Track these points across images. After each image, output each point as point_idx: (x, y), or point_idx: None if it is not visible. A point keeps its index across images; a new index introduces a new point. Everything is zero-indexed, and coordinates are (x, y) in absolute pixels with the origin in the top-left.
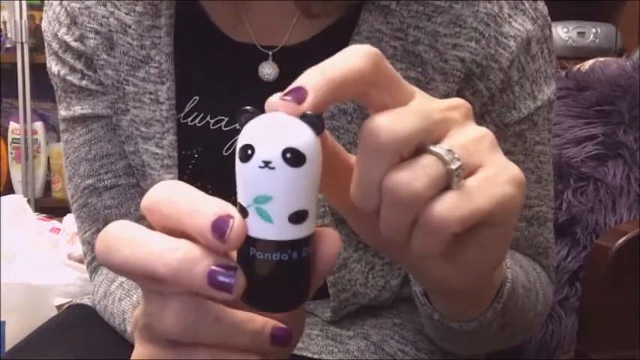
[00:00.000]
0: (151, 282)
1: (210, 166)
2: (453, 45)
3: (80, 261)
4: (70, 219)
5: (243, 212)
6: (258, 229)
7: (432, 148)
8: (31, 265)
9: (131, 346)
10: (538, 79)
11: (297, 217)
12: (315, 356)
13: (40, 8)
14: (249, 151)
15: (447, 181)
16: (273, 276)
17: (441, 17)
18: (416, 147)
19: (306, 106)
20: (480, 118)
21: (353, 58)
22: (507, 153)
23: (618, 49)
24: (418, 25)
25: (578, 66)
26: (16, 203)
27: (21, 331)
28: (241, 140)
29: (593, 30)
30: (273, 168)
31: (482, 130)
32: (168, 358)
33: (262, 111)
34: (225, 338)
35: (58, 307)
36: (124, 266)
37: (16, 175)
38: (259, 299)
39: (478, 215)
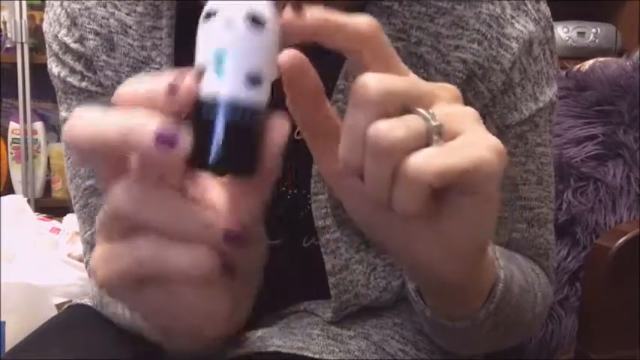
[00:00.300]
0: (109, 162)
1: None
2: (456, 46)
3: (80, 260)
4: (70, 219)
5: (199, 73)
6: (211, 86)
7: (416, 109)
8: (31, 265)
9: (131, 346)
10: (540, 80)
11: (252, 79)
12: (316, 356)
13: (40, 8)
14: (213, 13)
15: (427, 139)
16: (222, 136)
17: (444, 18)
18: (402, 109)
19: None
20: (482, 120)
21: (356, 17)
22: (508, 154)
23: (618, 49)
24: (420, 27)
25: (578, 66)
26: (16, 203)
27: (21, 331)
28: (207, 6)
29: (593, 30)
30: (233, 26)
31: (467, 108)
32: (121, 250)
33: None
34: (175, 222)
35: (58, 306)
36: (83, 138)
37: (16, 175)
38: (206, 161)
39: (454, 170)
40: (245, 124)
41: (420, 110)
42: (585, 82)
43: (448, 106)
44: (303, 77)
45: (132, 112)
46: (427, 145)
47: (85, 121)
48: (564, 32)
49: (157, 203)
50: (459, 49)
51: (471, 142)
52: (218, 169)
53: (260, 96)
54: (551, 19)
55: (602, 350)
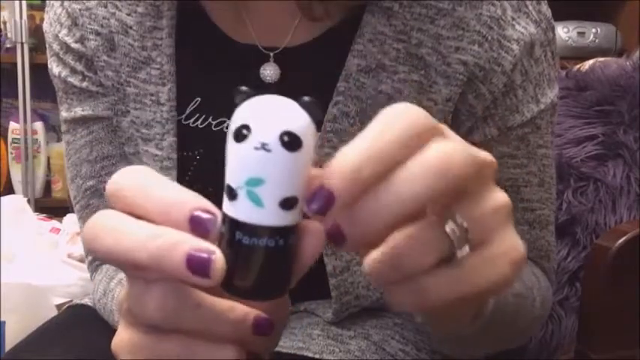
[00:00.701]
0: (135, 269)
1: (211, 168)
2: (456, 48)
3: (81, 260)
4: (70, 219)
5: (232, 194)
6: (247, 213)
7: (448, 226)
8: (31, 265)
9: None
10: (541, 82)
11: (288, 203)
12: (317, 356)
13: (40, 8)
14: (245, 131)
15: (450, 255)
16: (257, 263)
17: (444, 20)
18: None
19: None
20: (483, 122)
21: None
22: (510, 156)
23: (618, 49)
24: (421, 28)
25: (578, 66)
26: (16, 203)
27: (21, 331)
28: (237, 120)
29: (593, 30)
30: (269, 150)
31: (501, 200)
32: (148, 343)
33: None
34: (206, 326)
35: (58, 306)
36: (109, 254)
37: (16, 175)
38: (240, 286)
39: (470, 295)
40: (281, 249)
41: (451, 233)
42: (585, 82)
43: (482, 199)
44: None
45: (161, 231)
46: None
47: (109, 234)
48: (564, 32)
49: (188, 312)
50: (460, 50)
51: (494, 260)
52: (253, 297)
53: (295, 217)
54: (552, 21)
55: (602, 350)
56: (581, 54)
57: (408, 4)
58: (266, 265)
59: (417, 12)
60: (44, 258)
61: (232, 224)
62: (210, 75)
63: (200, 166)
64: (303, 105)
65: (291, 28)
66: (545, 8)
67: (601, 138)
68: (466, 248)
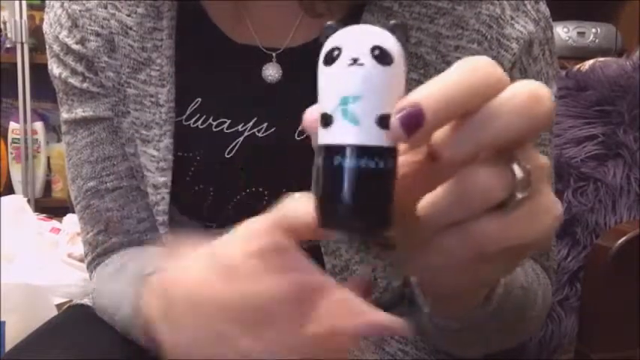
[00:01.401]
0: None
1: (212, 169)
2: (456, 47)
3: (81, 260)
4: (70, 219)
5: (326, 121)
6: (344, 134)
7: (517, 168)
8: (31, 265)
9: (131, 346)
10: (539, 80)
11: (385, 122)
12: None
13: (40, 8)
14: (336, 52)
15: (506, 200)
16: (359, 186)
17: (444, 19)
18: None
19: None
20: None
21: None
22: None
23: (618, 49)
24: (420, 27)
25: (578, 66)
26: (16, 203)
27: (21, 331)
28: (326, 46)
29: (593, 30)
30: (362, 64)
31: (545, 161)
32: None
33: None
34: None
35: (58, 306)
36: None
37: (16, 175)
38: (343, 217)
39: (519, 245)
40: (381, 172)
41: (519, 172)
42: (585, 82)
43: (532, 154)
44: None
45: None
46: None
47: None
48: (564, 32)
49: None
50: (459, 49)
51: (543, 210)
52: (355, 229)
53: (392, 139)
54: (550, 20)
55: (602, 350)
56: (581, 54)
57: (408, 4)
58: (369, 187)
59: (417, 11)
60: (44, 258)
61: (329, 151)
62: (211, 76)
63: (201, 166)
64: (389, 28)
65: (292, 28)
66: (544, 7)
67: (601, 138)
68: (524, 193)
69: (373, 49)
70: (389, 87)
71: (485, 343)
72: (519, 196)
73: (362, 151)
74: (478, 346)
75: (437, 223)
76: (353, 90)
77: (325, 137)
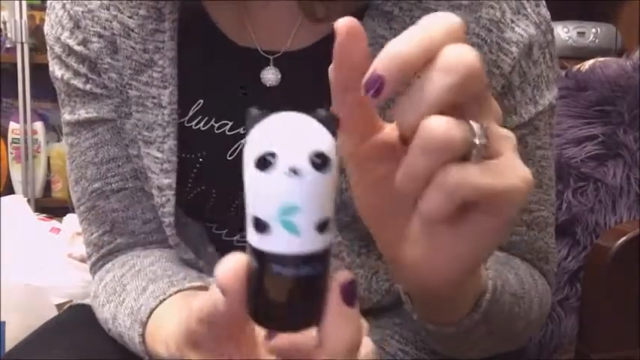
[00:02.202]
0: None
1: (214, 170)
2: None
3: (81, 260)
4: (70, 219)
5: (262, 227)
6: (284, 244)
7: (472, 121)
8: (31, 265)
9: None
10: (540, 83)
11: (323, 226)
12: None
13: (40, 8)
14: (270, 158)
15: (468, 152)
16: (298, 292)
17: None
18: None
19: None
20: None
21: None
22: None
23: (618, 49)
24: None
25: (578, 66)
26: (16, 203)
27: (21, 331)
28: (256, 147)
29: (593, 30)
30: (300, 175)
31: (508, 132)
32: None
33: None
34: None
35: (58, 306)
36: None
37: (16, 175)
38: (279, 318)
39: (490, 191)
40: (319, 274)
41: (474, 124)
42: (585, 82)
43: (494, 124)
44: (357, 44)
45: None
46: (466, 157)
47: None
48: (564, 32)
49: None
50: None
51: (508, 167)
52: (290, 328)
53: (330, 238)
54: (551, 23)
55: (602, 350)
56: (581, 54)
57: (408, 8)
58: (306, 292)
59: (417, 15)
60: (44, 258)
61: (267, 258)
62: (212, 77)
63: (203, 168)
64: (322, 120)
65: (292, 33)
66: (544, 10)
67: (601, 138)
68: (483, 140)
69: (311, 156)
70: (328, 192)
71: (478, 348)
72: (478, 142)
73: (303, 259)
74: (473, 350)
75: (413, 185)
76: (292, 201)
77: (262, 243)
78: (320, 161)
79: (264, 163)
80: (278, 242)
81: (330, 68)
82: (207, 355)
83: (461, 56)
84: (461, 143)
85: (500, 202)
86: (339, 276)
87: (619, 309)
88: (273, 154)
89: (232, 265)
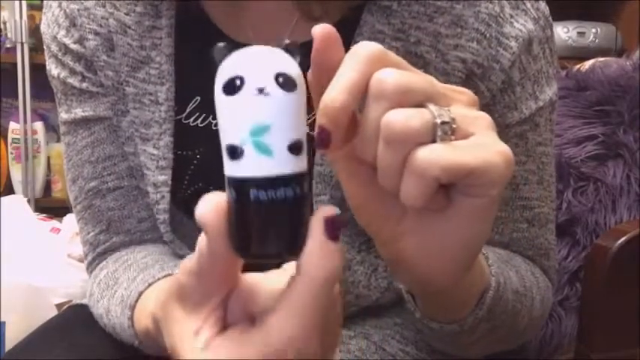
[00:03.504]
0: None
1: (211, 167)
2: (455, 46)
3: (81, 260)
4: (70, 219)
5: (235, 153)
6: (258, 167)
7: (430, 105)
8: (31, 265)
9: (130, 346)
10: (540, 79)
11: (296, 148)
12: None
13: (40, 8)
14: (237, 82)
15: (437, 135)
16: (276, 217)
17: (443, 18)
18: (416, 105)
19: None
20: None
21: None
22: None
23: (618, 49)
24: (419, 26)
25: (578, 66)
26: (16, 203)
27: (21, 331)
28: (224, 74)
29: (593, 30)
30: (267, 94)
31: (482, 113)
32: None
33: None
34: None
35: (58, 306)
36: None
37: (16, 175)
38: (261, 247)
39: (462, 167)
40: (299, 198)
41: (432, 107)
42: (585, 82)
43: (464, 108)
44: (333, 49)
45: None
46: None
47: None
48: (564, 32)
49: None
50: (458, 48)
51: (480, 144)
52: (273, 255)
53: (304, 163)
54: (550, 18)
55: (602, 350)
56: (581, 54)
57: (407, 3)
58: (285, 217)
59: (416, 10)
60: (44, 258)
61: (242, 185)
62: (209, 74)
63: (200, 164)
64: (286, 49)
65: (289, 28)
66: (543, 5)
67: (601, 138)
68: (449, 138)
69: (277, 76)
70: (296, 113)
71: (480, 346)
72: (439, 120)
73: (279, 181)
74: (475, 348)
75: (391, 180)
76: (263, 121)
77: (237, 170)
78: (286, 81)
79: (233, 86)
80: (252, 166)
81: (309, 73)
82: (194, 309)
83: (384, 80)
84: (422, 128)
85: (477, 181)
86: (324, 209)
87: (619, 309)
88: (240, 78)
89: (211, 201)
